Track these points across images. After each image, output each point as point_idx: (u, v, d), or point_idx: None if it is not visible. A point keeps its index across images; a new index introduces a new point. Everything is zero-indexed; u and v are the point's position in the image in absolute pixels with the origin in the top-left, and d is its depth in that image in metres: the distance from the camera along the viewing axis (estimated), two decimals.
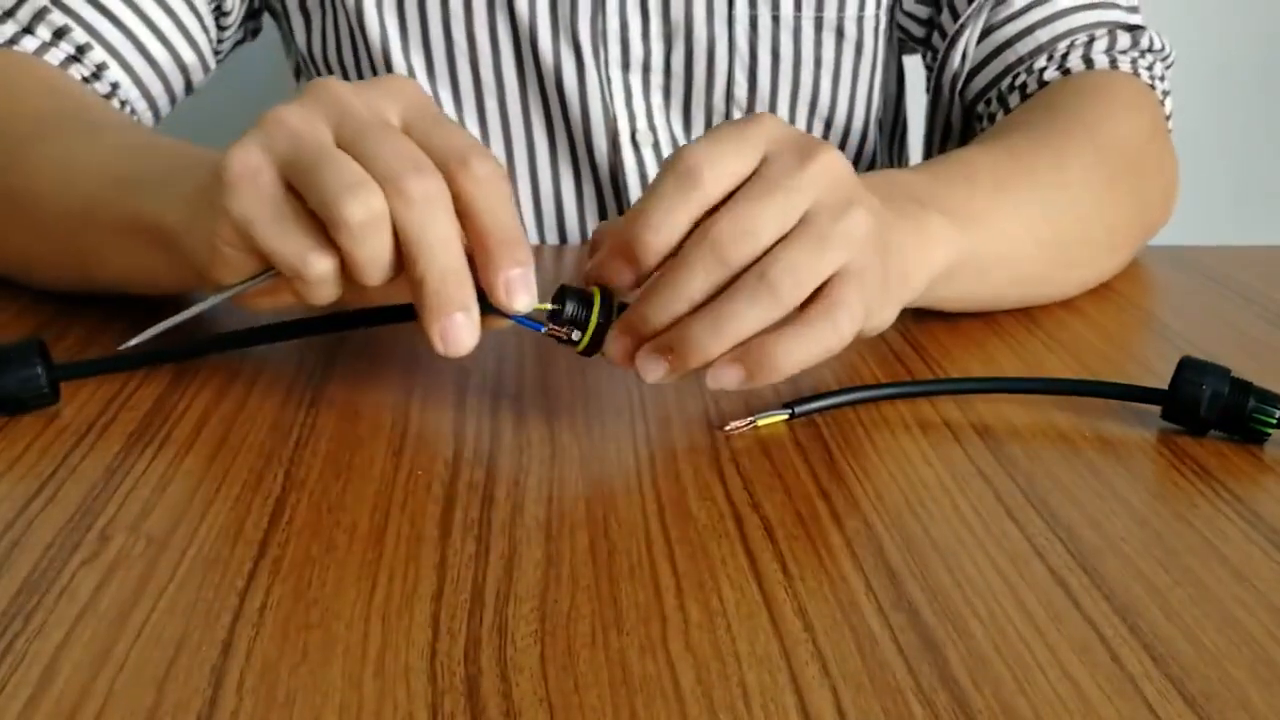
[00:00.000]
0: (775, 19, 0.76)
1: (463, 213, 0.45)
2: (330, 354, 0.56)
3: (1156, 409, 0.51)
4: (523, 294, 0.45)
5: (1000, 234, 0.58)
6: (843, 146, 0.81)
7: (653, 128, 0.77)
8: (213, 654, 0.35)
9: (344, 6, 0.77)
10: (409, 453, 0.47)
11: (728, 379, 0.46)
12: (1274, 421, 0.48)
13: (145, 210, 0.53)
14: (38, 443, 0.48)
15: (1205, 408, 0.49)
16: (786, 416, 0.50)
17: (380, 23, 0.76)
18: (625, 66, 0.76)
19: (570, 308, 0.47)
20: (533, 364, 0.56)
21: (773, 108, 0.78)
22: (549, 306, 0.47)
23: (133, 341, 0.48)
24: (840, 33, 0.78)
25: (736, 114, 0.77)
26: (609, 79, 0.76)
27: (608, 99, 0.76)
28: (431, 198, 0.44)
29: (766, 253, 0.45)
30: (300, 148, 0.45)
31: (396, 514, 0.43)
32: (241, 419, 0.50)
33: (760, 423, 0.50)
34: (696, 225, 0.46)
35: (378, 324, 0.50)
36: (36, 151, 0.61)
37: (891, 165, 0.89)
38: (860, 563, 0.40)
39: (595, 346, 0.48)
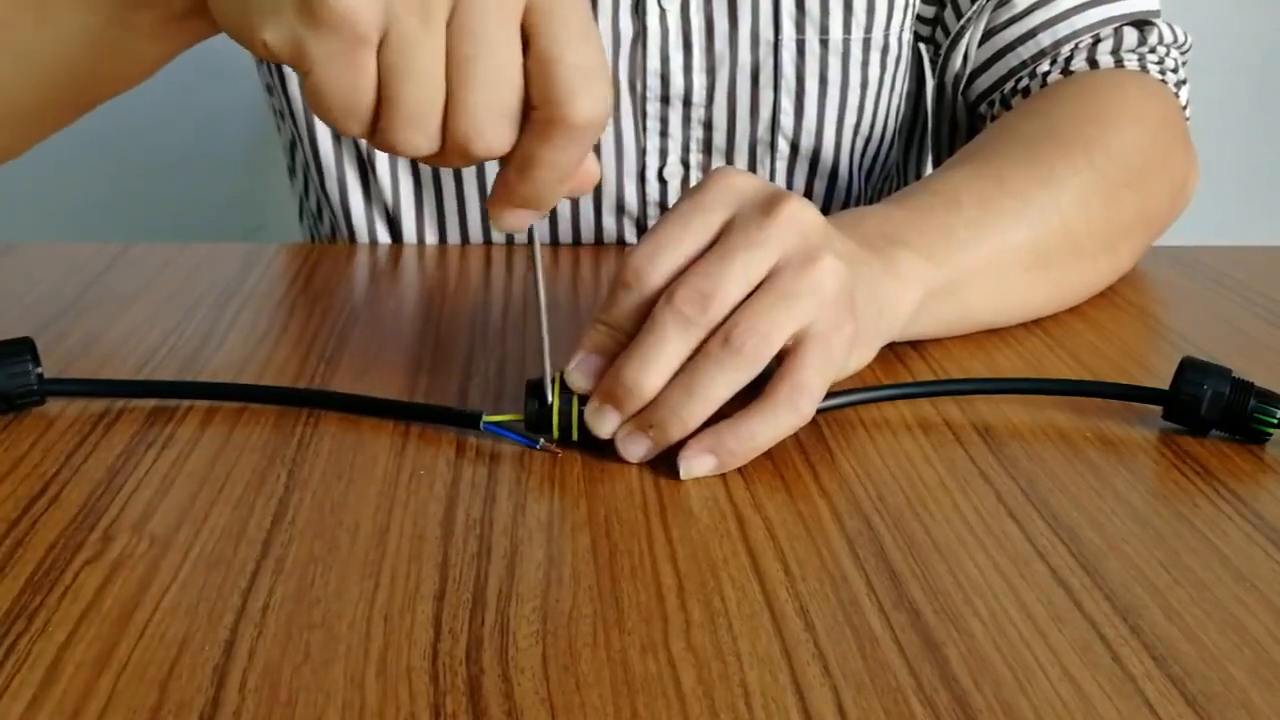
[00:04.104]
0: (824, 43, 0.73)
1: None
2: (333, 353, 0.56)
3: (1157, 409, 0.51)
4: None
5: (985, 261, 0.58)
6: (874, 158, 0.80)
7: (685, 162, 0.74)
8: (215, 654, 0.35)
9: None
10: (411, 452, 0.47)
11: (701, 467, 0.46)
12: (1275, 421, 0.48)
13: None
14: (41, 442, 0.48)
15: (1206, 408, 0.49)
16: None
17: None
18: (665, 100, 0.73)
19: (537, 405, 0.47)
20: (534, 363, 0.56)
21: (818, 133, 0.75)
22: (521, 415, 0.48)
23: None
24: (885, 50, 0.76)
25: (782, 142, 0.75)
26: (644, 113, 0.73)
27: (640, 133, 0.73)
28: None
29: (737, 308, 0.45)
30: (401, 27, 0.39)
31: (399, 514, 0.43)
32: (244, 419, 0.50)
33: None
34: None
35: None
36: None
37: (908, 166, 0.88)
38: (861, 563, 0.41)
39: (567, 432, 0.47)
